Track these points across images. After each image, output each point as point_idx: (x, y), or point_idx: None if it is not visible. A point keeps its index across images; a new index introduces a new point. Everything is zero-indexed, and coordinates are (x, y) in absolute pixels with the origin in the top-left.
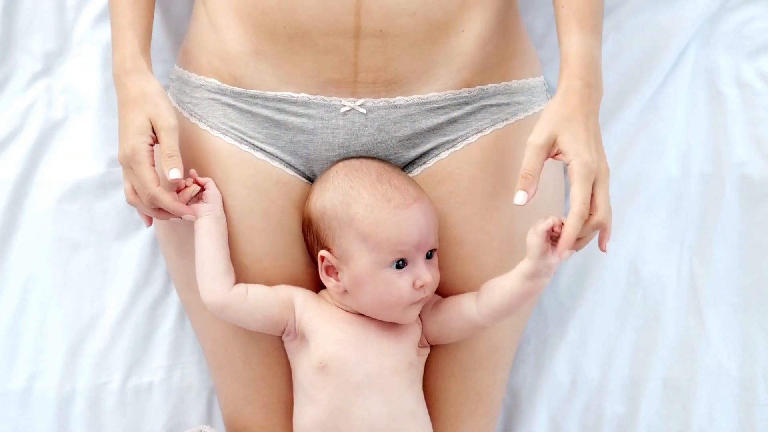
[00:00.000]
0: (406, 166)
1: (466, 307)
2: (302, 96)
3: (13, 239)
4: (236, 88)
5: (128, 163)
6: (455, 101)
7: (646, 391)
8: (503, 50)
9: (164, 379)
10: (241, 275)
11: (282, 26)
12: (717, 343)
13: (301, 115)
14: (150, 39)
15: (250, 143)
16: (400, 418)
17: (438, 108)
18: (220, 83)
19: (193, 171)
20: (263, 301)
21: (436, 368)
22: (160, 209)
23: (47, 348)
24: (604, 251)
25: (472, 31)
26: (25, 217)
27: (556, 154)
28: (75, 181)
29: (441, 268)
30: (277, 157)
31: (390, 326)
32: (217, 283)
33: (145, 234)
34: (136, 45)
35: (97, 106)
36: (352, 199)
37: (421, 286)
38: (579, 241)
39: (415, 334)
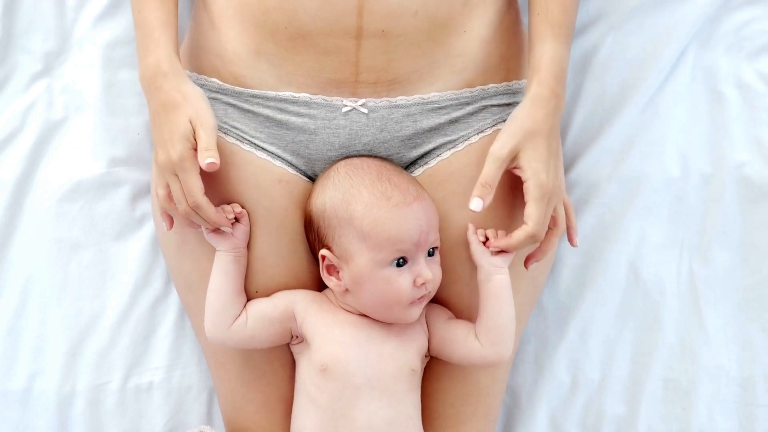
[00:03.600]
0: (408, 166)
1: (471, 335)
2: (303, 96)
3: (13, 239)
4: (237, 88)
5: (173, 170)
6: (457, 101)
7: (646, 392)
8: (504, 50)
9: (164, 379)
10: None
11: (283, 26)
12: (717, 343)
13: (302, 115)
14: (178, 41)
15: (252, 143)
16: (399, 422)
17: (439, 108)
18: (220, 83)
19: (236, 205)
20: (263, 321)
21: (436, 369)
22: (190, 220)
23: (47, 348)
24: (575, 245)
25: (474, 32)
26: (25, 217)
27: (515, 168)
28: (75, 181)
29: (443, 268)
30: (278, 156)
31: (395, 330)
32: (220, 319)
33: (145, 234)
34: (170, 47)
35: (97, 106)
36: (351, 197)
37: (423, 284)
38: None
39: (421, 341)
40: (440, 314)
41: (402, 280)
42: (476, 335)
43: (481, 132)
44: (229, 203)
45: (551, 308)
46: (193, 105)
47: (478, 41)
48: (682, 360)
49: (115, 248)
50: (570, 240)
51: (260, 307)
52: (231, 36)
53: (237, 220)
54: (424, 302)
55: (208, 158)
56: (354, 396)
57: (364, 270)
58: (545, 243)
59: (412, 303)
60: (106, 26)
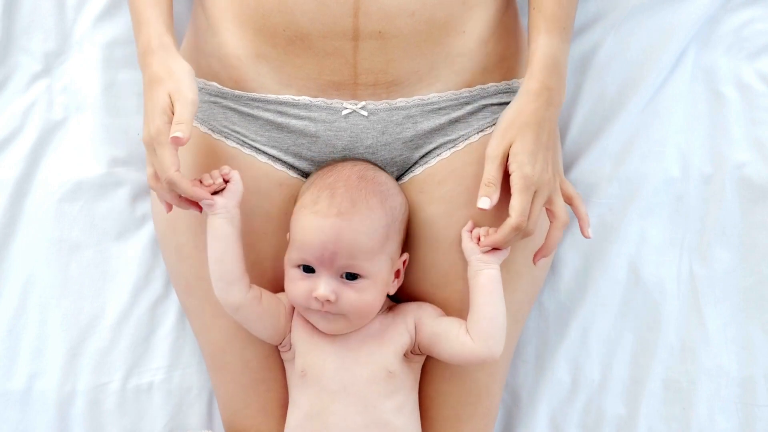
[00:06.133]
0: (410, 167)
1: (462, 331)
2: (303, 99)
3: (13, 239)
4: (237, 92)
5: (152, 144)
6: (456, 101)
7: (646, 392)
8: (503, 49)
9: (164, 379)
10: None
11: (281, 29)
12: (717, 343)
13: (302, 118)
14: (173, 18)
15: (253, 147)
16: (374, 428)
17: (439, 108)
18: (220, 87)
19: (224, 167)
20: (273, 309)
21: (435, 370)
22: (180, 196)
23: (47, 348)
24: (588, 237)
25: (473, 32)
26: (25, 217)
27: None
28: (75, 181)
29: (443, 266)
30: (279, 159)
31: (373, 332)
32: (234, 288)
33: (145, 234)
34: (161, 24)
35: (97, 106)
36: (303, 192)
37: (320, 299)
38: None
39: (399, 341)
40: (431, 311)
41: (300, 284)
42: (467, 331)
43: (481, 131)
44: None
45: (552, 308)
46: (175, 79)
47: (478, 41)
48: (682, 360)
49: (115, 248)
50: (582, 231)
51: (273, 298)
52: (230, 39)
53: (226, 182)
54: (334, 318)
55: (175, 131)
56: (330, 401)
57: (286, 262)
58: (548, 237)
59: (319, 313)
60: (106, 26)
